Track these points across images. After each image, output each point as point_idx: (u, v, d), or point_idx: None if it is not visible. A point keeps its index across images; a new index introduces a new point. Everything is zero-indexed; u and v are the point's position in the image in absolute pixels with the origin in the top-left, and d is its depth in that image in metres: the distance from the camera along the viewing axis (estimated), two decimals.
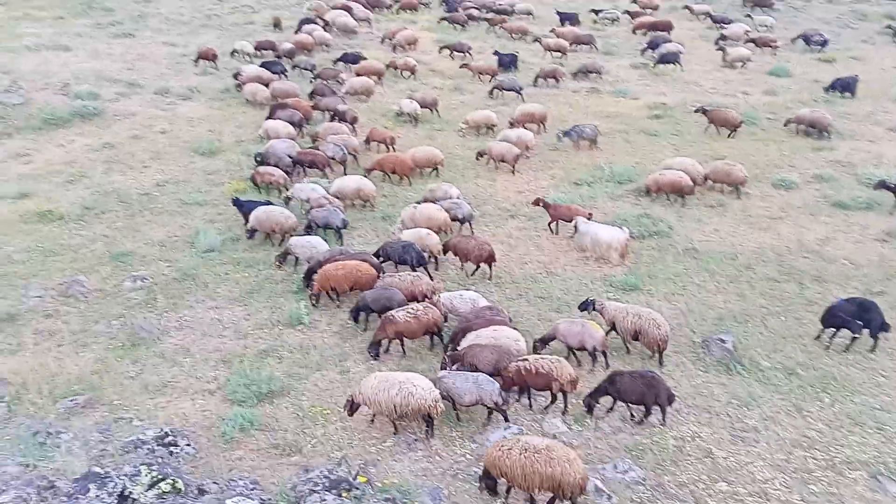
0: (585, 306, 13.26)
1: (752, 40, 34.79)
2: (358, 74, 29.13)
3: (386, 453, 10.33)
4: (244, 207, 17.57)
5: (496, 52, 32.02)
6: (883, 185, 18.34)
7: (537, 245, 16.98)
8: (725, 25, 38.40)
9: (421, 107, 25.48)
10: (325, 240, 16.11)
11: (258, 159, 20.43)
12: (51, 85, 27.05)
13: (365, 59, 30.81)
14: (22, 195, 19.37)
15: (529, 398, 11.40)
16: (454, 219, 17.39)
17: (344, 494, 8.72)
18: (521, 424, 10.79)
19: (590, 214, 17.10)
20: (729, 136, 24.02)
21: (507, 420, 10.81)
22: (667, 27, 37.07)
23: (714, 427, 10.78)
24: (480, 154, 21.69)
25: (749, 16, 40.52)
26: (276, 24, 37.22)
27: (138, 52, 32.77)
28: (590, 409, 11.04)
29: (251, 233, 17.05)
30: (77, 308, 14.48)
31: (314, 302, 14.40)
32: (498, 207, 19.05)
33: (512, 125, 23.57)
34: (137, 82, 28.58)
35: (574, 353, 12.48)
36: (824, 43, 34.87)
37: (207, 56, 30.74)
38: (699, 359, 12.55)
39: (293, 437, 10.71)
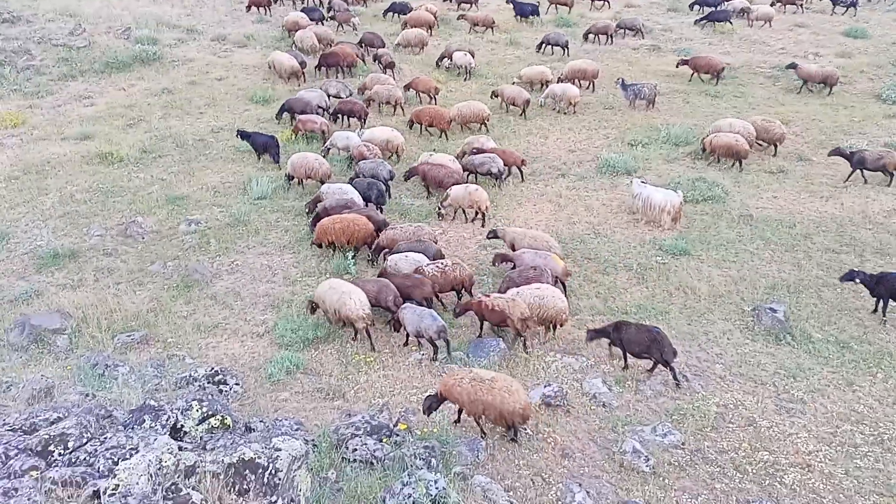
0: (492, 234, 14.56)
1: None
2: (406, 25, 28.80)
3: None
4: (250, 138, 18.80)
5: (511, 0, 31.12)
6: (838, 152, 17.58)
7: (587, 206, 16.70)
8: None
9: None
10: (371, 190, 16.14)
11: (279, 116, 20.93)
12: (113, 29, 27.54)
13: (413, 9, 30.38)
14: (84, 137, 19.99)
15: (481, 330, 12.09)
16: (487, 173, 17.25)
17: (384, 440, 8.94)
18: (563, 383, 10.80)
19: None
20: (713, 81, 24.03)
21: (435, 356, 11.47)
22: None
23: (759, 396, 10.58)
24: (494, 94, 22.22)
25: None
26: None
27: None
28: (588, 340, 11.65)
29: (290, 178, 17.32)
30: (134, 248, 15.00)
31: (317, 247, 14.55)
32: (548, 166, 18.75)
33: (560, 81, 23.05)
34: (196, 28, 28.86)
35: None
36: (852, 4, 32.43)
37: (259, 3, 30.75)
38: (748, 327, 12.27)
39: (337, 383, 10.98)
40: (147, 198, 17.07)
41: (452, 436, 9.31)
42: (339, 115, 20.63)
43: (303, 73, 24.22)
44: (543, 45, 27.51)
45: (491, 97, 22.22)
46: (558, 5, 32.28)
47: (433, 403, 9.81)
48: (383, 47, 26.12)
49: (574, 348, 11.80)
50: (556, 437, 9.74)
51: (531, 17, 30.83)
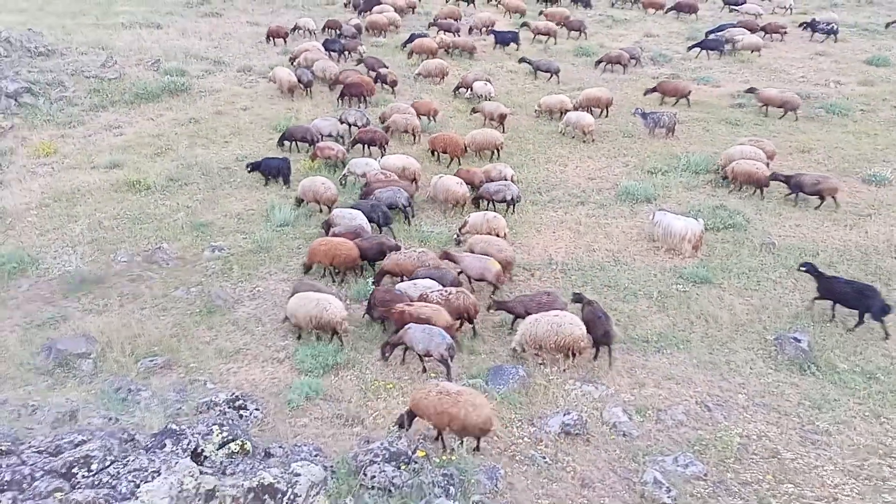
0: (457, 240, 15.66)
1: (763, 27, 32.88)
2: (411, 54, 29.52)
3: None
4: (260, 166, 19.25)
5: (491, 31, 31.96)
6: (775, 177, 17.89)
7: (606, 233, 16.70)
8: (737, 7, 36.68)
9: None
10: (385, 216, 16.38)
11: (280, 144, 21.46)
12: (143, 61, 28.33)
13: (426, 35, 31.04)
14: (113, 165, 20.49)
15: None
16: (502, 200, 17.38)
17: (403, 467, 8.92)
18: (582, 412, 10.72)
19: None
20: (675, 104, 24.44)
21: (449, 375, 11.51)
22: (692, 9, 36.56)
23: (783, 427, 10.41)
24: (474, 110, 23.48)
25: None
26: (348, 3, 37.95)
27: (224, 30, 33.89)
28: (573, 300, 13.03)
29: (298, 202, 17.71)
30: (159, 274, 15.27)
31: (304, 272, 14.79)
32: (568, 193, 18.81)
33: (576, 109, 23.28)
34: (222, 60, 29.59)
35: (471, 283, 14.23)
36: (832, 31, 32.44)
37: (278, 34, 31.51)
38: (770, 357, 12.11)
39: (356, 409, 11.01)
40: (172, 225, 17.40)
41: (471, 464, 9.25)
42: (361, 144, 20.95)
43: (308, 90, 25.76)
44: (535, 70, 28.10)
45: (471, 113, 23.56)
46: (540, 35, 32.80)
47: (405, 420, 9.98)
48: (385, 68, 27.03)
49: (594, 376, 11.73)
50: (575, 466, 9.66)
51: (511, 44, 31.47)
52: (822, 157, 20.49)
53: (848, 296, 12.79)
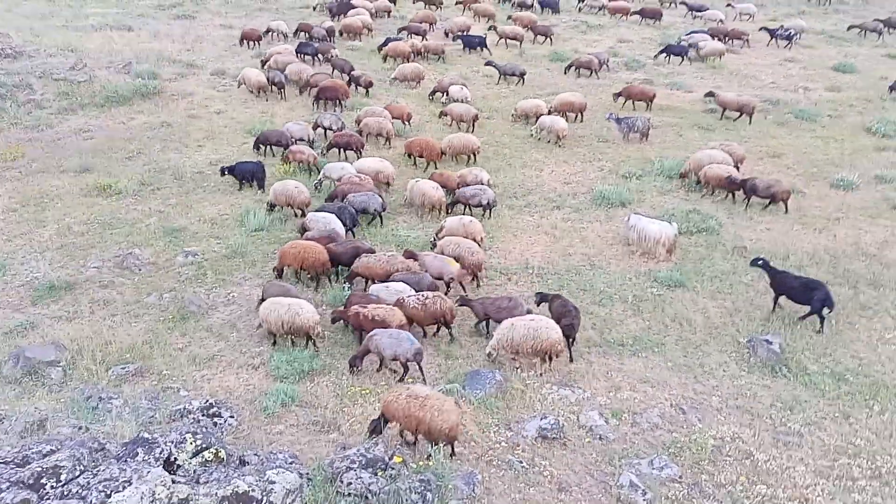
0: (433, 244, 15.53)
1: (727, 33, 33.76)
2: (385, 57, 29.81)
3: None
4: (234, 170, 19.05)
5: (459, 36, 32.35)
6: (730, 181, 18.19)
7: (582, 237, 16.82)
8: (699, 14, 37.53)
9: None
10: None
11: (256, 148, 21.38)
12: (114, 64, 27.89)
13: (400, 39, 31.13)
14: (83, 169, 20.12)
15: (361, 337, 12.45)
16: (478, 205, 17.44)
17: (379, 473, 8.87)
18: (559, 416, 10.76)
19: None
20: (647, 108, 24.74)
21: (402, 377, 11.66)
22: (657, 14, 37.46)
23: (755, 429, 10.55)
24: (443, 114, 23.64)
25: (730, 4, 39.33)
26: (316, 7, 37.86)
27: (197, 33, 33.53)
28: (537, 303, 13.35)
29: (271, 206, 17.58)
30: (131, 280, 15.01)
31: (277, 275, 14.69)
32: (544, 197, 18.92)
33: (550, 113, 23.47)
34: (195, 63, 29.26)
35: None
36: (790, 37, 33.50)
37: (251, 37, 31.32)
38: (743, 359, 12.29)
39: (332, 415, 10.92)
40: (144, 230, 17.13)
41: (448, 469, 9.23)
42: (337, 148, 20.86)
43: (282, 93, 25.91)
44: (502, 75, 28.34)
45: (439, 116, 23.73)
46: (507, 39, 33.11)
47: (377, 425, 10.05)
48: (353, 70, 27.20)
49: (570, 380, 11.78)
50: (552, 470, 9.68)
51: (478, 48, 31.81)
52: (791, 162, 20.89)
53: (795, 290, 13.25)
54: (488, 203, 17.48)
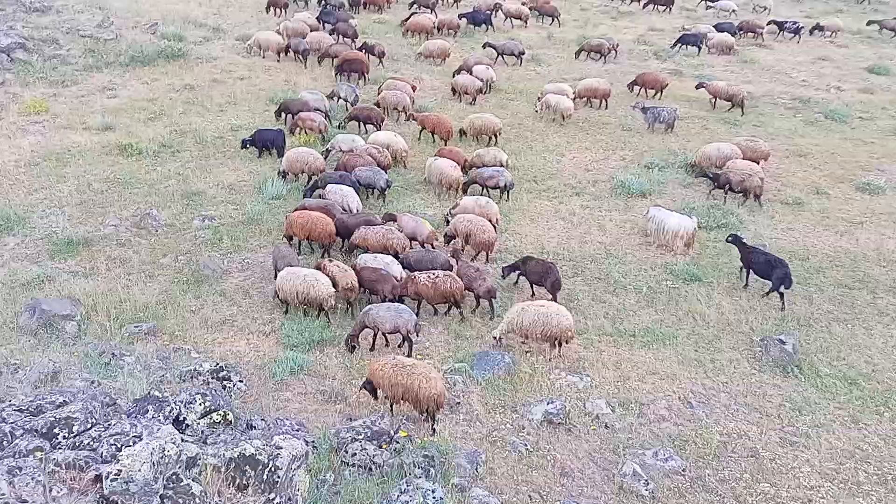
0: (448, 220, 15.66)
1: (741, 26, 33.26)
2: (406, 31, 29.57)
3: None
4: (253, 141, 18.90)
5: (462, 15, 31.84)
6: (703, 174, 18.25)
7: (600, 225, 16.69)
8: (712, 4, 36.84)
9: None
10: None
11: (277, 115, 21.32)
12: (140, 24, 27.89)
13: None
14: (106, 127, 20.21)
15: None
16: (494, 186, 17.31)
17: (384, 446, 8.94)
18: (566, 401, 10.74)
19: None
20: (656, 95, 24.70)
21: (410, 351, 11.71)
22: (667, 2, 36.95)
23: (763, 427, 10.49)
24: (453, 90, 24.14)
25: None
26: None
27: None
28: (503, 276, 13.90)
29: (283, 175, 17.50)
30: (147, 240, 15.12)
31: (287, 241, 14.76)
32: (563, 183, 18.77)
33: (575, 99, 23.31)
34: (221, 27, 29.19)
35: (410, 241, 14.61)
36: (797, 31, 33.05)
37: (278, 4, 31.15)
38: (755, 357, 12.19)
39: (340, 386, 10.98)
40: (163, 191, 17.21)
41: (453, 447, 9.29)
42: (357, 121, 20.75)
43: (305, 62, 25.98)
44: (500, 55, 28.07)
45: (453, 92, 24.13)
46: (513, 19, 32.78)
47: (367, 389, 10.27)
48: (357, 37, 27.69)
49: (579, 367, 11.76)
50: (556, 454, 9.69)
51: (483, 25, 31.60)
52: (818, 163, 20.55)
53: (759, 265, 13.86)
54: (505, 185, 17.36)
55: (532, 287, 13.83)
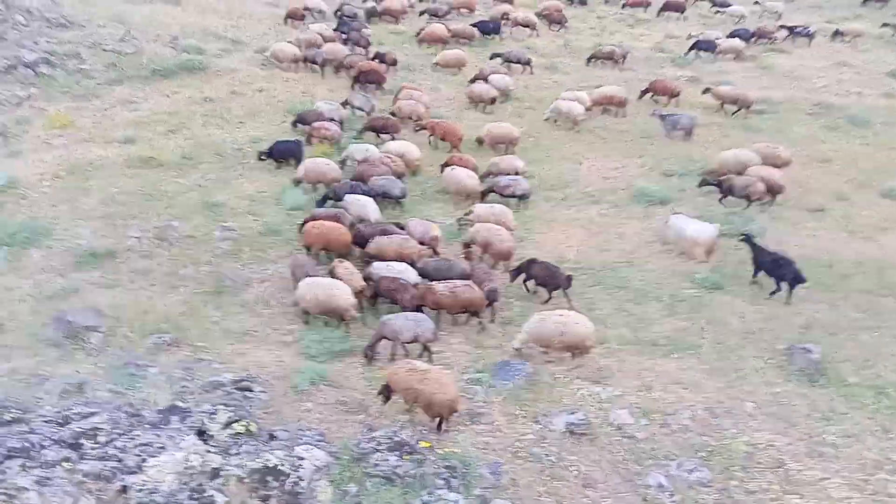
0: (461, 224, 16.04)
1: (756, 32, 32.93)
2: (421, 42, 29.76)
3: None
4: (271, 153, 19.08)
5: (475, 24, 31.55)
6: (706, 182, 18.17)
7: (620, 233, 16.59)
8: (723, 10, 36.49)
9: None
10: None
11: (294, 126, 21.31)
12: (161, 37, 28.25)
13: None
14: (128, 140, 20.49)
15: None
16: (511, 195, 17.29)
17: (405, 457, 8.89)
18: (588, 412, 10.65)
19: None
20: (666, 105, 24.29)
21: (430, 360, 11.65)
22: (680, 8, 36.56)
23: (790, 438, 10.31)
24: (471, 99, 24.19)
25: (757, 2, 38.10)
26: None
27: (243, 10, 33.72)
28: (511, 280, 13.98)
29: (297, 182, 17.65)
30: (169, 252, 15.27)
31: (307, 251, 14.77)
32: (582, 191, 18.71)
33: (589, 108, 23.28)
34: (240, 40, 29.50)
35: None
36: (808, 35, 32.80)
37: (296, 15, 31.44)
38: (780, 366, 12.00)
39: (360, 397, 10.96)
40: (184, 203, 17.39)
41: (474, 457, 9.23)
42: (373, 132, 20.84)
43: (320, 67, 26.13)
44: (504, 61, 27.93)
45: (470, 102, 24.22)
46: (521, 26, 32.79)
47: (384, 392, 10.38)
48: (369, 45, 27.97)
49: (601, 377, 11.65)
50: (579, 465, 9.59)
51: (492, 34, 31.53)
52: (840, 168, 20.31)
53: (766, 264, 14.15)
54: (522, 194, 17.32)
55: (548, 291, 13.93)
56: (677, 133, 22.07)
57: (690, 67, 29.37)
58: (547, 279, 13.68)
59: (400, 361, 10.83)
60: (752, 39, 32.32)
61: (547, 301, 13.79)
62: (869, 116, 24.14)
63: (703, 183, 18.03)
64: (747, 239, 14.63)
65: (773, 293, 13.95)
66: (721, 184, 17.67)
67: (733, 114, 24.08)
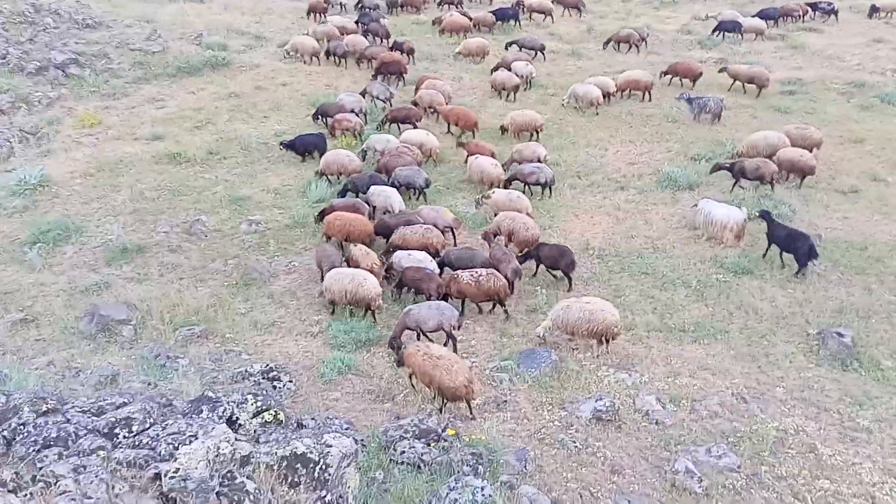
0: (477, 203, 16.41)
1: (783, 11, 32.17)
2: (442, 31, 29.58)
3: (475, 411, 10.47)
4: (294, 145, 19.28)
5: (493, 12, 31.29)
6: (718, 167, 17.72)
7: (646, 219, 16.41)
8: None
9: None
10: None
11: (315, 119, 21.47)
12: (186, 35, 28.62)
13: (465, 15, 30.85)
14: (155, 137, 20.82)
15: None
16: (535, 183, 17.21)
17: (432, 444, 8.97)
18: (615, 398, 10.60)
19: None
20: (692, 84, 24.18)
21: (454, 347, 11.75)
22: None
23: (821, 423, 10.16)
24: (493, 87, 24.14)
25: None
26: None
27: (266, 6, 34.00)
28: (520, 264, 13.70)
29: (321, 175, 17.86)
30: (197, 245, 15.51)
31: (326, 240, 14.98)
32: (608, 178, 18.52)
33: (614, 93, 23.27)
34: (263, 35, 29.73)
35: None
36: (832, 11, 31.84)
37: (318, 9, 31.57)
38: (812, 351, 11.81)
39: (387, 385, 11.07)
40: (211, 197, 17.64)
41: (500, 444, 9.26)
42: (396, 122, 20.87)
43: (344, 63, 26.34)
44: (518, 48, 27.73)
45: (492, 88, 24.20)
46: (533, 13, 32.46)
47: (399, 359, 10.88)
48: (388, 36, 28.00)
49: (628, 364, 11.59)
50: (605, 452, 9.57)
51: (511, 21, 31.34)
52: (874, 148, 19.78)
53: (781, 239, 14.13)
54: (546, 182, 17.23)
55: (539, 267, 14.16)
56: (705, 116, 21.71)
57: (718, 49, 28.84)
58: (556, 260, 13.78)
59: (419, 343, 11.00)
60: (780, 19, 31.61)
61: (569, 287, 13.80)
62: None
63: (715, 168, 17.69)
64: (765, 214, 14.68)
65: (797, 274, 13.87)
66: (733, 167, 17.38)
67: (757, 95, 23.62)
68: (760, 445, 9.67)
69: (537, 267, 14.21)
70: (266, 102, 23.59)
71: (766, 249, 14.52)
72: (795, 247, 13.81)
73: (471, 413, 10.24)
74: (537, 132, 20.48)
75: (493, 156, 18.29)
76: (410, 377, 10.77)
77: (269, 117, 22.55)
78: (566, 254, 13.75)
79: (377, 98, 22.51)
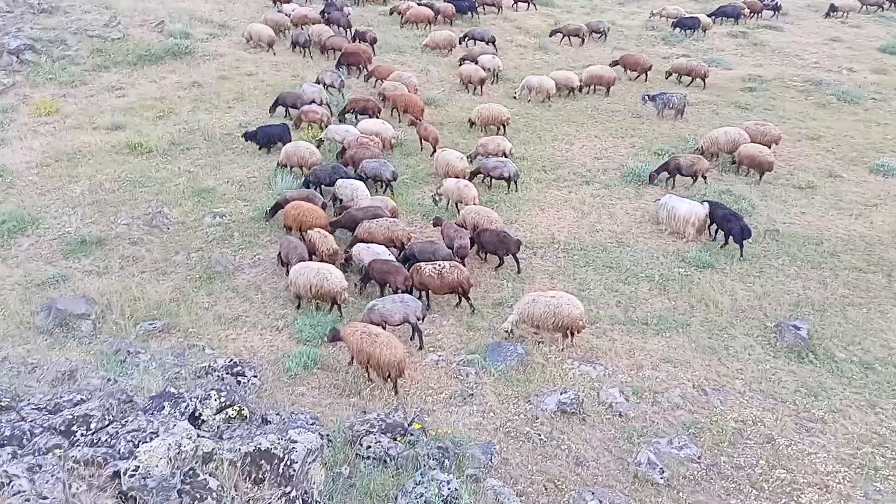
0: (434, 200, 16.56)
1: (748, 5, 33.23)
2: (405, 22, 29.75)
3: (441, 405, 10.51)
4: (256, 136, 19.05)
5: (449, 1, 31.55)
6: (652, 177, 18.01)
7: (610, 214, 16.62)
8: None
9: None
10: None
11: (272, 110, 21.32)
12: (147, 22, 27.92)
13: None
14: (115, 127, 20.31)
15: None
16: (499, 177, 17.33)
17: (398, 439, 8.96)
18: (579, 391, 10.74)
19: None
20: (636, 78, 24.99)
21: (421, 344, 11.89)
22: None
23: (778, 414, 10.44)
24: (460, 79, 24.21)
25: None
26: None
27: None
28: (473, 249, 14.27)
29: (282, 166, 17.84)
30: (160, 238, 15.21)
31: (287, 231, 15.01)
32: (573, 172, 18.68)
33: (580, 89, 23.61)
34: (227, 24, 29.18)
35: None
36: (776, 8, 33.37)
37: None
38: (770, 343, 12.12)
39: (353, 380, 11.03)
40: (174, 189, 17.29)
41: (466, 438, 9.31)
42: (353, 113, 20.75)
43: (307, 52, 26.28)
44: (467, 39, 27.82)
45: (461, 84, 24.17)
46: (485, 6, 32.72)
47: (335, 336, 11.08)
48: (350, 26, 28.04)
49: (592, 356, 11.74)
50: (570, 444, 9.69)
51: (469, 13, 31.65)
52: (830, 145, 20.33)
53: (720, 219, 15.03)
54: (510, 176, 17.31)
55: (500, 258, 14.32)
56: (668, 112, 22.04)
57: (682, 45, 29.26)
58: (497, 245, 14.05)
59: (355, 323, 11.25)
60: (743, 15, 32.20)
61: (498, 266, 14.29)
62: (860, 92, 24.15)
63: (651, 179, 17.89)
64: (709, 201, 15.53)
65: (723, 246, 14.97)
66: (668, 164, 17.75)
67: (688, 84, 24.66)
68: (720, 436, 9.90)
69: (482, 251, 14.51)
70: (230, 92, 23.19)
71: (725, 242, 15.02)
72: (729, 227, 14.76)
73: (395, 392, 10.61)
74: (504, 126, 20.54)
75: (435, 138, 18.81)
76: (332, 339, 11.09)
77: (233, 107, 22.18)
78: (505, 238, 14.05)
79: (330, 86, 22.36)
